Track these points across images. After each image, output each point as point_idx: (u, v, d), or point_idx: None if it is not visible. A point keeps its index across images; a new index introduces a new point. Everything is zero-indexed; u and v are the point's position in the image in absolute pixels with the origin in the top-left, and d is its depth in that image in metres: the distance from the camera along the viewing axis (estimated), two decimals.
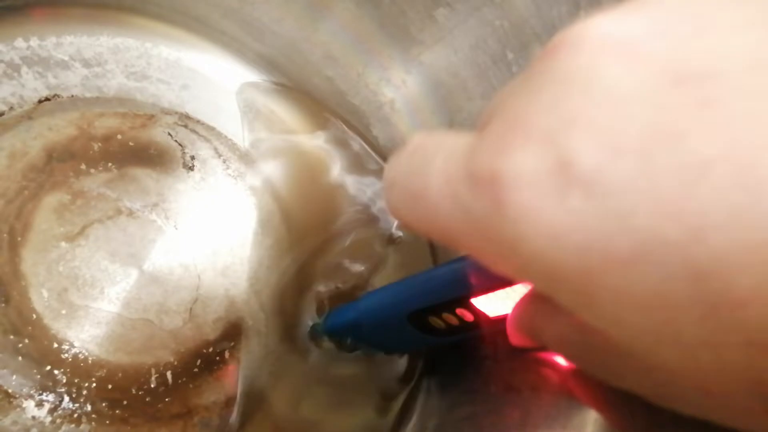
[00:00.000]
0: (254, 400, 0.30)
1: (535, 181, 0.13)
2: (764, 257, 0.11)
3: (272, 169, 0.34)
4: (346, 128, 0.36)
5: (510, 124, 0.14)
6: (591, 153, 0.13)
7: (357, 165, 0.36)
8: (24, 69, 0.31)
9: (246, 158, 0.34)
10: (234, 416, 0.30)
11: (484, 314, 0.23)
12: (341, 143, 0.36)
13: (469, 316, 0.24)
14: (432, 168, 0.16)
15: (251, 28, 0.34)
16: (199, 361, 0.30)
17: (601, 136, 0.13)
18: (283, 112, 0.36)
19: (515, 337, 0.22)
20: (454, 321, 0.25)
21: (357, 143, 0.36)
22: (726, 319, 0.12)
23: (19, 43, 0.31)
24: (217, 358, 0.30)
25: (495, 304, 0.23)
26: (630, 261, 0.12)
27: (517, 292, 0.22)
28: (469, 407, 0.29)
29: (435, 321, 0.25)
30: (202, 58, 0.35)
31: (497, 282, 0.22)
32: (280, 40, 0.34)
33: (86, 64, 0.32)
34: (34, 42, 0.31)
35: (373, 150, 0.37)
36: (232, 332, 0.31)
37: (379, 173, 0.35)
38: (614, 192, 0.12)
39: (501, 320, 0.22)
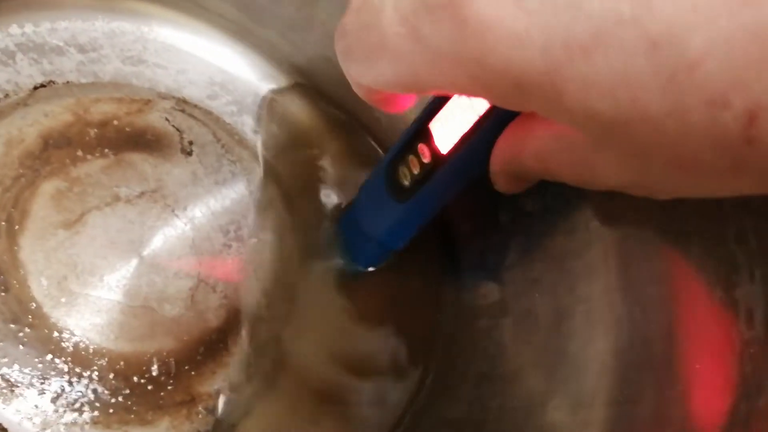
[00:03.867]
0: (258, 387, 0.30)
1: None
2: (709, 15, 0.12)
3: (274, 155, 0.34)
4: (356, 126, 0.36)
5: None
6: None
7: (359, 156, 0.35)
8: (19, 56, 0.30)
9: (244, 143, 0.34)
10: (238, 403, 0.29)
11: (439, 151, 0.24)
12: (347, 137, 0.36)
13: (427, 155, 0.25)
14: (384, 15, 0.17)
15: (249, 9, 0.34)
16: (202, 348, 0.29)
17: None
18: (297, 109, 0.35)
19: (498, 177, 0.24)
20: (416, 167, 0.25)
21: (363, 139, 0.36)
22: (684, 83, 0.12)
23: (14, 29, 0.31)
24: (220, 344, 0.30)
25: (449, 128, 0.24)
26: (590, 46, 0.13)
27: (461, 106, 0.23)
28: (475, 390, 0.29)
29: (403, 172, 0.26)
30: (200, 41, 0.34)
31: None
32: (279, 21, 0.34)
33: (81, 49, 0.32)
34: (28, 28, 0.31)
35: (375, 133, 0.36)
36: (235, 319, 0.30)
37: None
38: None
39: (457, 156, 0.24)
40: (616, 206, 0.26)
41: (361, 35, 0.18)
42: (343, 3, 0.32)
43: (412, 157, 0.26)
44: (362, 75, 0.19)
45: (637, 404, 0.24)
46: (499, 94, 0.15)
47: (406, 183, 0.26)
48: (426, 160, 0.25)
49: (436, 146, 0.24)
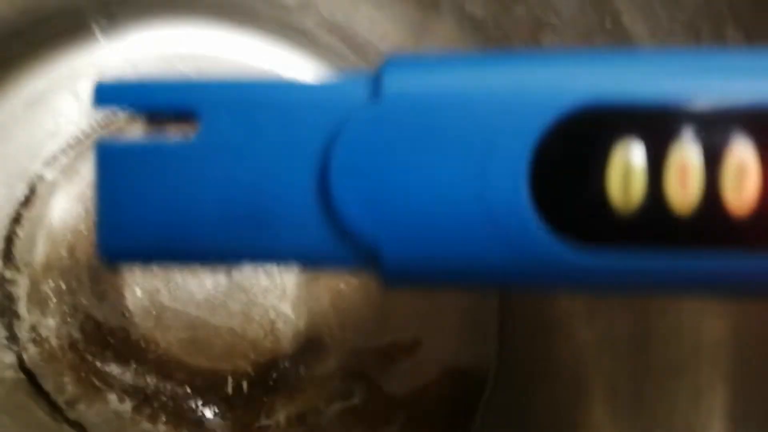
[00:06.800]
0: (328, 416, 0.30)
1: None
2: None
3: None
4: None
5: None
6: None
7: None
8: None
9: None
10: (309, 429, 0.30)
11: None
12: None
13: None
14: None
15: (355, 44, 0.34)
16: (275, 374, 0.30)
17: None
18: None
19: None
20: None
21: None
22: None
23: None
24: (293, 372, 0.30)
25: None
26: None
27: None
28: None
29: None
30: (306, 74, 0.35)
31: None
32: (382, 58, 0.34)
33: None
34: None
35: None
36: (310, 348, 0.31)
37: None
38: None
39: None
40: None
41: None
42: (446, 45, 0.32)
43: None
44: None
45: None
46: None
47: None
48: None
49: None
